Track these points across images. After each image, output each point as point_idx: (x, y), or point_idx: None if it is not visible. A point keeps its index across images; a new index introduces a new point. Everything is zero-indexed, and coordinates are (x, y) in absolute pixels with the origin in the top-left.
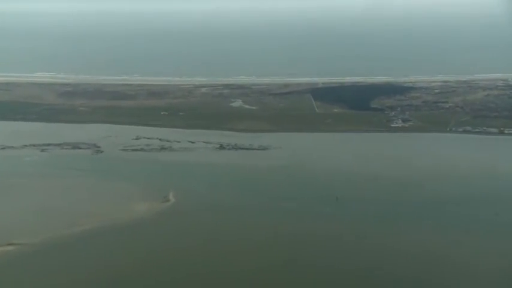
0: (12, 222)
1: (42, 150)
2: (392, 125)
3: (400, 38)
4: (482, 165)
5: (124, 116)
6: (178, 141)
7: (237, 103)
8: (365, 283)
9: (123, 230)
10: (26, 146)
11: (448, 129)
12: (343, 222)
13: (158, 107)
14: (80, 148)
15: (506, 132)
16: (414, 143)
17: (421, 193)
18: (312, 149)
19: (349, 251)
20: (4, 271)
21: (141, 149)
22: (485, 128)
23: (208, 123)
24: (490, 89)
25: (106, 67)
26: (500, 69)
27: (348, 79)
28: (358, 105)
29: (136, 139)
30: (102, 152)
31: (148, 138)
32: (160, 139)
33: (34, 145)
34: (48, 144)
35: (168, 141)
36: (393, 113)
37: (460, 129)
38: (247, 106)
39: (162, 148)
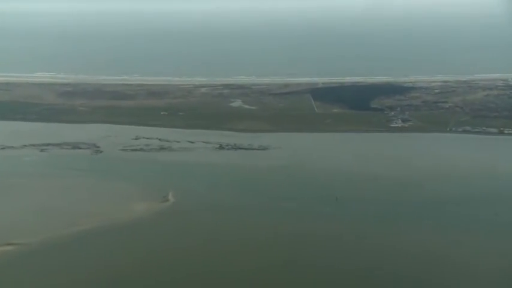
0: (11, 222)
1: (42, 150)
2: (392, 125)
3: (400, 38)
4: (481, 165)
5: (124, 116)
6: (178, 141)
7: (237, 103)
8: (365, 283)
9: (123, 230)
10: (25, 146)
11: (447, 129)
12: (343, 222)
13: (158, 107)
14: (79, 148)
15: (506, 132)
16: (414, 143)
17: (420, 193)
18: (311, 149)
19: (349, 251)
20: (3, 271)
21: (141, 149)
22: (484, 128)
23: (208, 123)
24: (490, 89)
25: (106, 67)
26: (500, 69)
27: (348, 79)
28: (358, 105)
29: (136, 139)
30: (101, 152)
31: (147, 138)
32: (159, 139)
33: (34, 145)
34: (48, 144)
35: (167, 141)
36: (393, 113)
37: (460, 129)
38: (247, 106)
39: (162, 148)
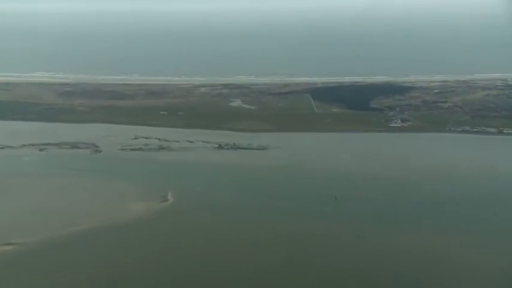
0: (10, 222)
1: (41, 150)
2: (391, 125)
3: (400, 38)
4: (481, 165)
5: (123, 115)
6: (177, 141)
7: (236, 103)
8: (364, 283)
9: (122, 229)
10: (24, 145)
11: (446, 129)
12: (342, 222)
13: (157, 106)
14: (78, 148)
15: (505, 132)
16: (413, 143)
17: (420, 193)
18: (310, 148)
19: (348, 250)
20: (2, 271)
21: (140, 149)
22: (484, 127)
23: (207, 122)
24: (489, 89)
25: (105, 67)
26: (500, 69)
27: (347, 79)
28: (357, 105)
29: (135, 139)
30: (100, 151)
31: (147, 138)
32: (159, 139)
33: (33, 145)
34: (47, 144)
35: (166, 140)
36: (392, 112)
37: (459, 129)
38: (246, 106)
39: (161, 148)
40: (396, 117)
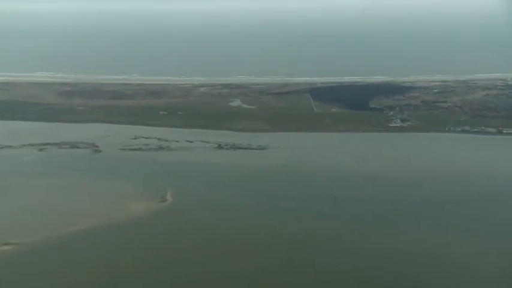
0: (9, 222)
1: (41, 150)
2: (391, 125)
3: (400, 38)
4: (480, 165)
5: (123, 115)
6: (177, 141)
7: (236, 103)
8: (364, 283)
9: (121, 229)
10: (24, 145)
11: (446, 129)
12: (342, 222)
13: (157, 106)
14: (78, 147)
15: (504, 132)
16: (413, 143)
17: (419, 193)
18: (310, 148)
19: (348, 250)
20: (1, 271)
21: (139, 149)
22: (483, 127)
23: (207, 122)
24: (489, 89)
25: (105, 67)
26: (499, 69)
27: (347, 79)
28: (357, 105)
29: (135, 139)
30: (100, 151)
31: (146, 138)
32: (158, 139)
33: (32, 144)
34: (47, 144)
35: (166, 140)
36: (392, 112)
37: (459, 129)
38: (246, 106)
39: (160, 148)
40: (396, 117)
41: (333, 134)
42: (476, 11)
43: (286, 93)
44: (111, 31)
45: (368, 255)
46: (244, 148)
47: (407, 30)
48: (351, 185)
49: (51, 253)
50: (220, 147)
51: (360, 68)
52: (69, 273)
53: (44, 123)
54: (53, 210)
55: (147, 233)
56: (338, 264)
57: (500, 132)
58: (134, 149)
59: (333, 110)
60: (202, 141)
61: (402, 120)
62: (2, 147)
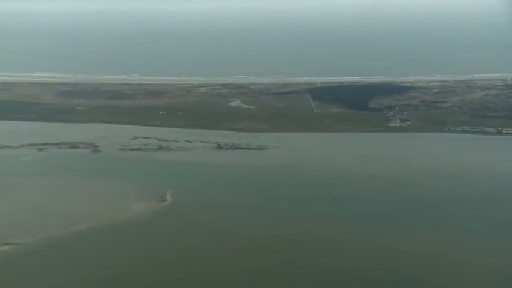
0: (9, 222)
1: (40, 150)
2: (391, 125)
3: (400, 38)
4: (480, 165)
5: (122, 115)
6: (176, 141)
7: (236, 103)
8: (364, 283)
9: (120, 229)
10: (23, 145)
11: (446, 129)
12: (342, 222)
13: (157, 106)
14: (77, 147)
15: (504, 132)
16: (412, 143)
17: (419, 193)
18: (310, 148)
19: (348, 250)
20: (0, 271)
21: (139, 149)
22: (483, 127)
23: (207, 122)
24: (489, 89)
25: (105, 67)
26: (499, 69)
27: (347, 79)
28: (357, 105)
29: (134, 139)
30: (99, 151)
31: (146, 138)
32: (158, 139)
33: (32, 144)
34: (46, 144)
35: (166, 140)
36: (391, 112)
37: (458, 129)
38: (245, 106)
39: (160, 148)
40: (395, 117)
41: (332, 134)
42: (476, 11)
43: (285, 93)
44: (111, 31)
45: (368, 255)
46: (244, 148)
47: (407, 30)
48: (351, 185)
49: (50, 253)
50: (219, 147)
51: (360, 68)
52: (69, 273)
53: (44, 123)
54: (52, 210)
55: (147, 233)
56: (338, 264)
57: (499, 132)
58: (134, 149)
59: (333, 110)
60: (202, 141)
61: (402, 120)
62: (1, 147)
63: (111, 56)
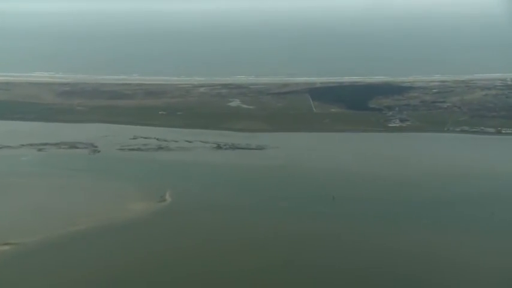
0: (8, 222)
1: (39, 150)
2: (390, 125)
3: (400, 38)
4: (479, 165)
5: (122, 115)
6: (176, 141)
7: (235, 103)
8: (364, 283)
9: (120, 230)
10: (23, 145)
11: (445, 129)
12: (341, 222)
13: (156, 106)
14: (77, 148)
15: (503, 132)
16: (412, 143)
17: (418, 193)
18: (309, 148)
19: (348, 250)
20: (0, 271)
21: (138, 149)
22: (482, 127)
23: (206, 122)
24: (488, 89)
25: (105, 67)
26: (499, 69)
27: (346, 79)
28: (356, 105)
29: (134, 139)
30: (99, 151)
31: (145, 138)
32: (157, 139)
33: (31, 144)
34: (46, 144)
35: (165, 140)
36: (391, 112)
37: (458, 129)
38: (245, 106)
39: (159, 148)
40: (395, 117)
41: (332, 134)
42: (476, 11)
43: (285, 93)
44: (111, 31)
45: (368, 255)
46: (243, 148)
47: (407, 30)
48: (350, 185)
49: (50, 253)
50: (219, 147)
51: (360, 68)
52: (69, 274)
53: (43, 123)
54: (51, 210)
55: (146, 233)
56: (338, 264)
57: (499, 132)
58: (133, 149)
59: (332, 110)
60: (201, 141)
61: (401, 120)
62: (1, 147)
63: (111, 56)
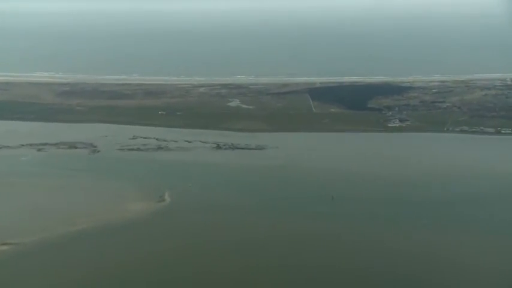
0: (7, 222)
1: (39, 150)
2: (390, 125)
3: (400, 38)
4: (479, 165)
5: (121, 115)
6: (175, 141)
7: (235, 103)
8: (364, 283)
9: (119, 230)
10: (22, 145)
11: (445, 129)
12: (341, 221)
13: (156, 106)
14: (76, 148)
15: (503, 132)
16: (411, 143)
17: (418, 193)
18: (309, 148)
19: (347, 250)
20: None
21: (138, 149)
22: (482, 127)
23: (206, 122)
24: (488, 89)
25: (105, 67)
26: (499, 69)
27: (346, 79)
28: (356, 105)
29: (133, 139)
30: (98, 151)
31: (145, 138)
32: (157, 139)
33: (31, 144)
34: (45, 144)
35: (165, 140)
36: (391, 112)
37: (457, 129)
38: (244, 106)
39: (159, 148)
40: (394, 117)
41: (331, 134)
42: (476, 11)
43: (285, 93)
44: (111, 31)
45: (368, 255)
46: (243, 148)
47: (407, 30)
48: (350, 185)
49: (49, 253)
50: (218, 147)
51: (359, 68)
52: (67, 273)
53: (43, 123)
54: (51, 210)
55: (145, 233)
56: (338, 264)
57: (498, 132)
58: (133, 149)
59: (332, 110)
60: (201, 141)
61: (401, 120)
62: (0, 147)
63: (111, 56)
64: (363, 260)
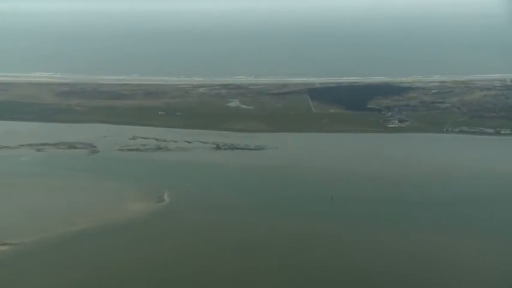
0: (7, 222)
1: (38, 150)
2: (389, 125)
3: (400, 38)
4: (478, 165)
5: (121, 115)
6: (175, 141)
7: (234, 103)
8: (364, 283)
9: (118, 230)
10: (22, 145)
11: (444, 129)
12: (340, 222)
13: (155, 106)
14: (76, 148)
15: (502, 132)
16: (411, 143)
17: (418, 193)
18: (308, 149)
19: (347, 250)
20: None
21: (137, 149)
22: (481, 128)
23: (205, 123)
24: (488, 89)
25: (104, 67)
26: (498, 69)
27: (345, 79)
28: (355, 105)
29: (133, 139)
30: (98, 151)
31: (144, 138)
32: (156, 139)
33: (30, 145)
34: (45, 144)
35: (164, 141)
36: (390, 113)
37: (457, 130)
38: (244, 106)
39: (159, 148)
40: (394, 117)
41: (331, 135)
42: (476, 11)
43: (284, 93)
44: (111, 31)
45: (368, 255)
46: (243, 148)
47: (407, 30)
48: (350, 185)
49: (48, 253)
50: (218, 147)
51: (359, 69)
52: (67, 273)
53: (42, 124)
54: (50, 211)
55: (145, 234)
56: (338, 264)
57: (498, 133)
58: (132, 150)
59: (331, 110)
60: (201, 142)
61: (400, 121)
62: (0, 148)
63: (110, 56)
64: (363, 260)
